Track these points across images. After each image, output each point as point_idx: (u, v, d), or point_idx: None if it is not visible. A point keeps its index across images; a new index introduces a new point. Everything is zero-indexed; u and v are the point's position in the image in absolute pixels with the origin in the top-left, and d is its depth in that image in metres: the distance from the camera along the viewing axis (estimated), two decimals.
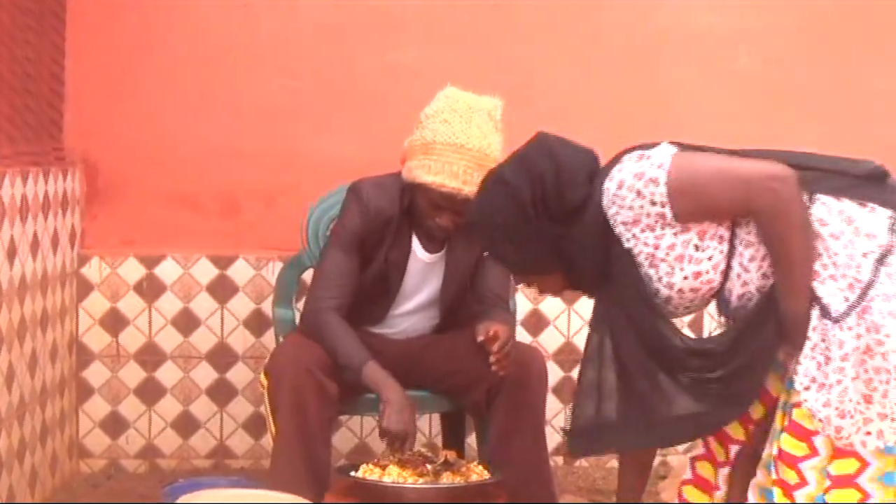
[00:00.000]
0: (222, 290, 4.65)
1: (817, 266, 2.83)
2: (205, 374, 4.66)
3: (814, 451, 2.83)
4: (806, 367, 2.82)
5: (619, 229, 2.87)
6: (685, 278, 2.87)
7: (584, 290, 3.10)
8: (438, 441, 4.29)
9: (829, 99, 4.90)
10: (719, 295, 2.93)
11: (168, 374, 4.64)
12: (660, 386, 2.91)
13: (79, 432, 4.62)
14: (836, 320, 2.81)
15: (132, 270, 4.62)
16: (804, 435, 2.83)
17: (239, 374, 4.66)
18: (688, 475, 3.07)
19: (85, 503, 4.24)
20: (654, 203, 2.82)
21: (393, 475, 3.52)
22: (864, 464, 2.82)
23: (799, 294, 2.82)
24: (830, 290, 2.82)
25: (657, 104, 4.82)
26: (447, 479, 3.52)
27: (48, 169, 4.25)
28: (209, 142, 4.64)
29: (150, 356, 4.63)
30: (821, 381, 2.81)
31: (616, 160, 2.94)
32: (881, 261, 2.83)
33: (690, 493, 3.06)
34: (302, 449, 3.65)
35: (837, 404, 2.79)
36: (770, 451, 2.90)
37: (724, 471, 3.03)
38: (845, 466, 2.83)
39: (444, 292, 3.88)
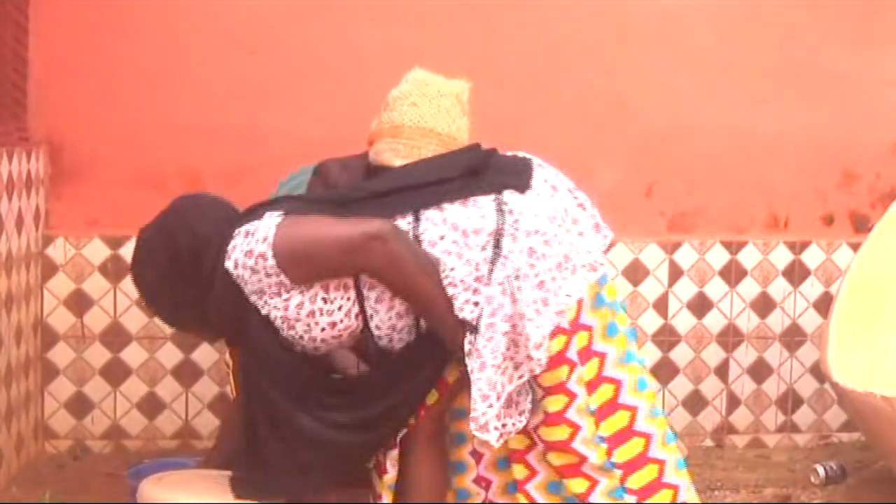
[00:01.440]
0: None
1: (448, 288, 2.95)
2: (170, 355, 4.66)
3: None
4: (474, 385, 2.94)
5: (252, 299, 2.97)
6: (323, 330, 2.99)
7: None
8: None
9: (790, 78, 4.94)
10: (364, 334, 3.05)
11: (133, 354, 4.64)
12: (305, 431, 3.03)
13: (44, 413, 4.61)
14: (476, 329, 2.93)
15: (97, 251, 4.60)
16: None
17: (204, 355, 4.66)
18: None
19: (50, 484, 4.23)
20: (269, 275, 2.92)
21: None
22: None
23: (449, 325, 2.95)
24: (459, 303, 2.94)
25: (620, 83, 4.84)
26: None
27: (12, 150, 4.23)
28: (174, 121, 4.62)
29: (116, 337, 4.63)
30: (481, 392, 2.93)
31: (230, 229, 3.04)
32: (496, 247, 2.95)
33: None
34: None
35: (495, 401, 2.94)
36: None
37: (393, 452, 3.12)
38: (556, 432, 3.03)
39: None
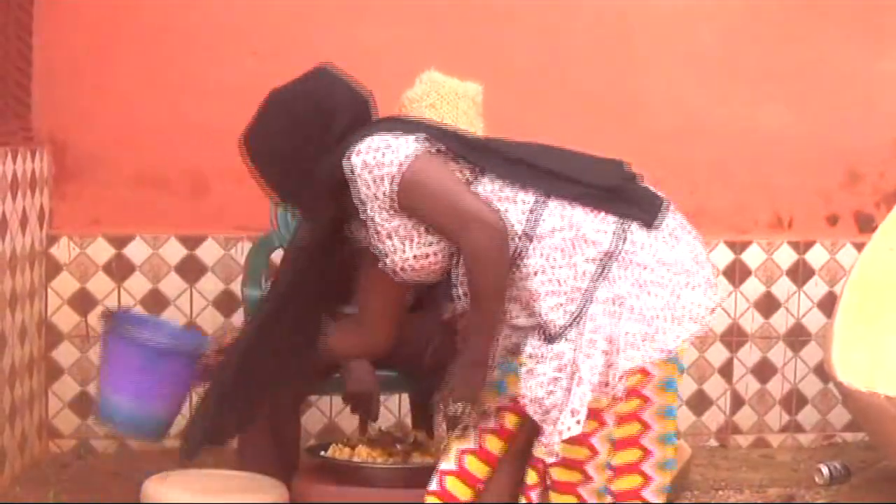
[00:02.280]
0: (191, 270, 4.65)
1: (539, 280, 2.88)
2: None
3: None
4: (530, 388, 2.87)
5: (356, 201, 2.91)
6: (411, 259, 2.92)
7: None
8: (408, 421, 4.30)
9: (793, 78, 4.94)
10: (449, 280, 2.99)
11: None
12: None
13: (48, 412, 4.61)
14: (557, 335, 2.86)
15: (101, 250, 4.61)
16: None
17: None
18: (452, 465, 3.02)
19: (54, 483, 4.23)
20: (384, 195, 2.87)
21: (362, 455, 3.54)
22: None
23: (482, 331, 2.91)
24: (551, 304, 2.87)
25: (624, 84, 4.84)
26: (417, 459, 3.54)
27: (16, 149, 4.23)
28: (178, 122, 4.62)
29: None
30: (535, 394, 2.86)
31: (361, 131, 2.97)
32: (603, 266, 2.90)
33: (453, 483, 3.02)
34: (271, 428, 3.66)
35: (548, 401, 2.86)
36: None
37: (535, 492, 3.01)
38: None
39: None
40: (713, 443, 4.97)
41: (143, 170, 4.63)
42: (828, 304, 4.89)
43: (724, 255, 4.93)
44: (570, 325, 2.87)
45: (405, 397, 4.36)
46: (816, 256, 5.01)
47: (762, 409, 5.00)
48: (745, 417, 4.99)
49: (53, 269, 4.58)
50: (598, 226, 2.92)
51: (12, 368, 4.19)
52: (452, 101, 3.66)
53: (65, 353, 4.61)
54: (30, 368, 4.40)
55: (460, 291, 2.98)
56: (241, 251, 4.59)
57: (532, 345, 2.89)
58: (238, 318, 4.56)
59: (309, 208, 3.08)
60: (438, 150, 2.94)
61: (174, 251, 4.64)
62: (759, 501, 4.33)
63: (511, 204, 2.91)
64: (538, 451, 2.95)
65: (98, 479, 4.31)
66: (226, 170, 4.64)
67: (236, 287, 4.54)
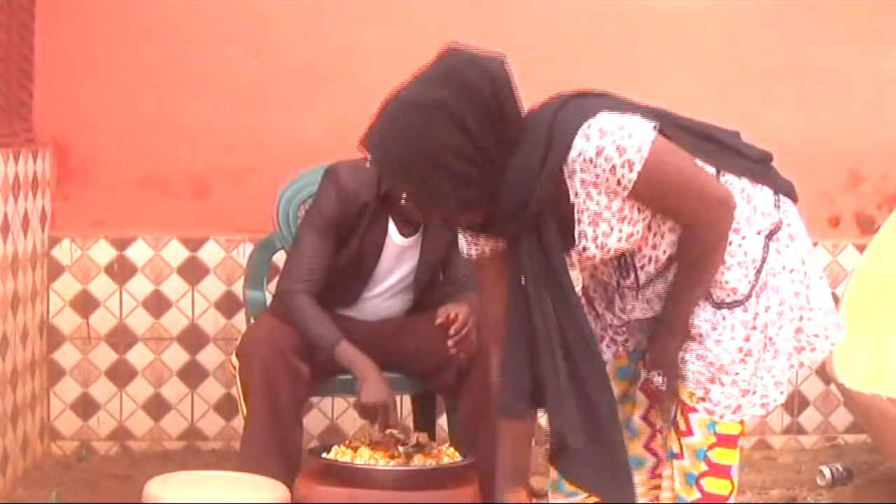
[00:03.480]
0: (193, 271, 4.65)
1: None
2: (176, 356, 4.66)
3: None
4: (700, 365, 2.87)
5: (573, 183, 2.71)
6: (619, 240, 2.78)
7: (497, 230, 2.80)
8: (410, 423, 4.30)
9: (795, 80, 4.94)
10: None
11: (139, 355, 4.64)
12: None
13: (50, 414, 4.61)
14: (737, 303, 2.86)
15: (103, 252, 4.61)
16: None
17: (210, 356, 4.66)
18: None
19: (56, 485, 4.23)
20: (619, 183, 2.70)
21: (364, 457, 3.54)
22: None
23: (690, 303, 2.84)
24: (736, 275, 2.86)
25: (624, 84, 4.81)
26: (418, 461, 3.55)
27: (18, 150, 4.23)
28: (180, 123, 4.63)
29: (121, 338, 4.63)
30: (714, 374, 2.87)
31: (577, 107, 2.74)
32: (770, 237, 2.89)
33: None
34: (273, 430, 3.66)
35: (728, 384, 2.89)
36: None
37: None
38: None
39: (419, 275, 3.89)
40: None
41: (145, 171, 4.63)
42: None
43: None
44: (750, 295, 2.86)
45: (407, 399, 4.36)
46: (818, 258, 5.00)
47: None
48: (747, 419, 4.97)
49: (55, 270, 4.58)
50: (764, 198, 2.91)
51: (14, 370, 4.19)
52: None
53: (66, 355, 4.61)
54: (31, 370, 4.40)
55: (645, 262, 2.88)
56: (243, 253, 4.59)
57: (704, 317, 2.85)
58: (239, 319, 4.56)
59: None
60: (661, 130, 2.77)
61: (176, 253, 4.64)
62: (761, 503, 4.33)
63: None
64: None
65: (100, 481, 4.31)
66: (227, 171, 4.65)
67: (238, 289, 4.54)
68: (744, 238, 2.87)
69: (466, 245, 2.89)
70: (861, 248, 4.79)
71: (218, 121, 4.64)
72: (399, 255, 3.86)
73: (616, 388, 2.95)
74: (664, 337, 2.88)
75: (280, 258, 4.16)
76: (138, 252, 4.62)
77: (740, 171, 2.90)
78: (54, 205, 4.60)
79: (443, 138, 2.59)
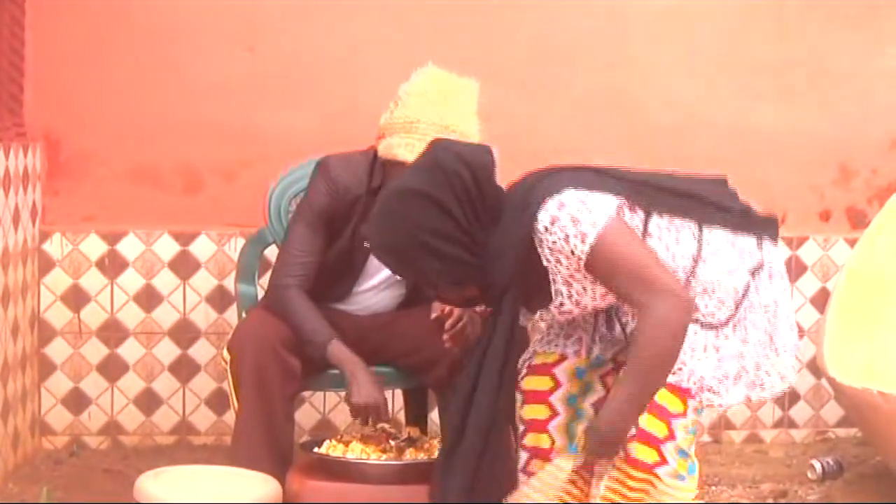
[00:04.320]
0: (185, 266, 4.65)
1: (703, 297, 3.05)
2: (167, 351, 4.66)
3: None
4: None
5: (543, 251, 2.93)
6: (593, 299, 3.00)
7: (488, 299, 3.08)
8: (402, 417, 4.30)
9: (787, 75, 4.95)
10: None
11: (130, 350, 4.63)
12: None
13: (41, 409, 4.60)
14: (711, 326, 3.06)
15: (94, 246, 4.60)
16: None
17: (201, 351, 4.66)
18: None
19: (47, 480, 4.23)
20: (573, 253, 2.89)
21: (356, 451, 3.54)
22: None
23: (634, 401, 2.91)
24: (714, 303, 3.05)
25: (618, 79, 4.84)
26: (410, 455, 3.55)
27: (9, 145, 4.22)
28: (171, 117, 4.62)
29: (113, 332, 4.62)
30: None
31: (548, 183, 2.95)
32: (753, 274, 3.10)
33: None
34: (264, 425, 3.66)
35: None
36: None
37: None
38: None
39: None
40: (706, 438, 4.97)
41: (136, 166, 4.62)
42: (820, 300, 4.90)
43: None
44: (728, 321, 3.06)
45: (399, 393, 4.36)
46: (809, 252, 5.02)
47: (755, 404, 5.01)
48: (738, 413, 4.99)
49: (46, 265, 4.57)
50: (747, 243, 3.12)
51: (5, 365, 4.19)
52: (449, 95, 3.66)
53: (57, 350, 4.60)
54: (22, 365, 4.39)
55: (628, 318, 3.08)
56: (235, 247, 4.58)
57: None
58: (231, 314, 4.56)
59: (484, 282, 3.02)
60: (626, 206, 2.98)
61: (167, 247, 4.64)
62: (752, 497, 4.33)
63: (683, 231, 3.05)
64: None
65: (91, 476, 4.31)
66: (219, 165, 4.64)
67: (230, 283, 4.54)
68: (730, 272, 3.05)
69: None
70: (852, 243, 4.80)
71: (210, 115, 4.63)
72: None
73: (573, 387, 3.15)
74: (594, 447, 2.99)
75: (272, 252, 4.16)
76: (129, 246, 4.61)
77: (723, 224, 3.10)
78: (45, 199, 4.59)
79: (429, 223, 2.89)
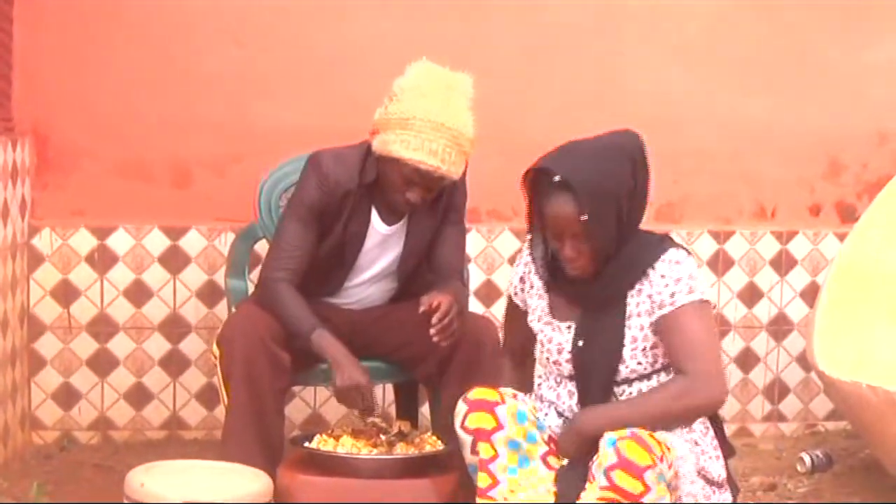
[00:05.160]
0: (174, 260, 4.64)
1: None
2: (157, 345, 4.65)
3: None
4: None
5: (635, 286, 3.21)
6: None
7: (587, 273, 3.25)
8: (392, 411, 4.30)
9: (777, 69, 4.95)
10: None
11: (120, 345, 4.63)
12: None
13: (31, 404, 4.60)
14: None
15: (83, 241, 4.59)
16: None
17: (192, 345, 4.66)
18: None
19: (37, 475, 4.22)
20: (671, 295, 3.16)
21: (347, 446, 3.54)
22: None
23: (617, 421, 3.09)
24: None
25: (608, 73, 4.84)
26: (401, 450, 3.55)
27: None
28: (161, 111, 4.61)
29: (103, 327, 4.62)
30: None
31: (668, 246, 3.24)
32: None
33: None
34: (255, 419, 3.66)
35: None
36: None
37: None
38: None
39: (403, 264, 3.89)
40: None
41: (125, 160, 4.61)
42: (810, 294, 4.91)
43: (707, 245, 4.93)
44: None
45: (389, 387, 4.36)
46: (799, 246, 5.03)
47: (745, 398, 5.02)
48: (728, 406, 4.99)
49: (35, 259, 4.56)
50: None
51: None
52: (444, 91, 3.65)
53: (47, 344, 4.59)
54: (12, 360, 4.39)
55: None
56: (225, 242, 4.58)
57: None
58: (221, 308, 4.56)
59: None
60: None
61: (157, 242, 4.63)
62: (742, 492, 4.34)
63: None
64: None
65: (81, 471, 4.30)
66: (209, 160, 4.63)
67: (220, 277, 4.54)
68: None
69: (516, 294, 3.45)
70: (842, 237, 4.81)
71: (200, 110, 4.62)
72: (382, 244, 3.86)
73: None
74: (572, 436, 3.18)
75: (262, 247, 4.15)
76: (119, 241, 4.61)
77: None
78: (34, 194, 4.58)
79: (625, 177, 3.18)
